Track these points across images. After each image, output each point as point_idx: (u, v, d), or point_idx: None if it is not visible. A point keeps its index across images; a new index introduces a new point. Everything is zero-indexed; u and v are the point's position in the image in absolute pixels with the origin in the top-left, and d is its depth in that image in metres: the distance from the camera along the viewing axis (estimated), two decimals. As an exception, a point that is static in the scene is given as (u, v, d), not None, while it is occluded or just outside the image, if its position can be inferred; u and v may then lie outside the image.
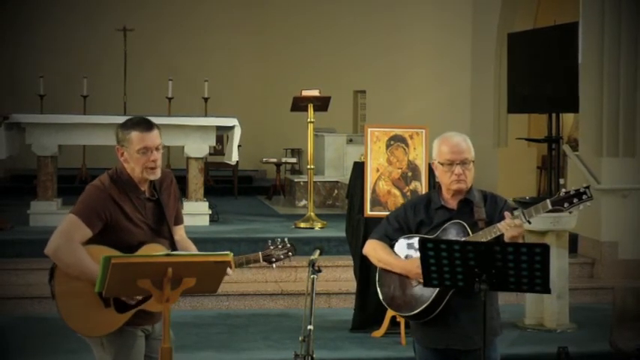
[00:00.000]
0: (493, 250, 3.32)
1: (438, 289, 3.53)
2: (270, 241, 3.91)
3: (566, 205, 3.52)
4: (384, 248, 3.72)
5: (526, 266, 3.29)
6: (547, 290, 3.36)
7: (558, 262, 6.47)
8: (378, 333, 6.24)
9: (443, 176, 3.67)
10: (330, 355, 5.79)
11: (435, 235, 3.63)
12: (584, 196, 3.51)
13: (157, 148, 3.60)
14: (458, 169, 3.62)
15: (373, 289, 6.43)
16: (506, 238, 3.48)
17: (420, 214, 3.72)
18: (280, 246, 3.88)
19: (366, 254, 3.82)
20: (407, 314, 3.68)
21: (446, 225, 3.64)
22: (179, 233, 3.81)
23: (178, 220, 3.83)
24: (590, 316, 6.95)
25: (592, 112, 8.10)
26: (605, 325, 5.87)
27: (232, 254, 3.72)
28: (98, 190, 3.61)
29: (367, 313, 6.38)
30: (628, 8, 7.90)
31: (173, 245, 3.71)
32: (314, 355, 3.68)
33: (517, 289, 3.42)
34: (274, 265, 3.91)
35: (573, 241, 7.87)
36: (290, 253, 3.89)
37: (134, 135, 3.59)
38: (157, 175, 3.63)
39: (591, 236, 8.04)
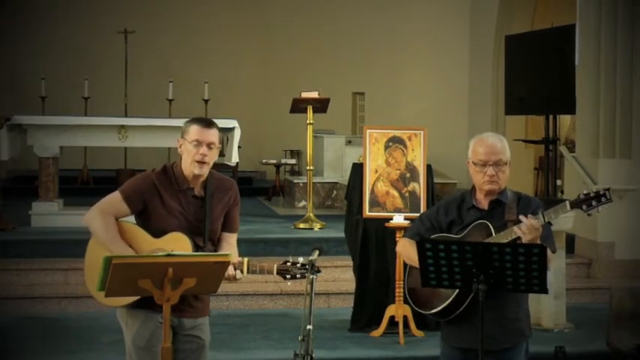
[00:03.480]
0: (491, 251, 3.35)
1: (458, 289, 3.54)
2: (291, 258, 3.90)
3: (584, 207, 3.51)
4: (413, 246, 3.74)
5: (524, 266, 3.30)
6: (544, 290, 3.38)
7: (555, 263, 6.51)
8: (377, 333, 6.28)
9: (476, 176, 3.66)
10: (329, 354, 5.83)
11: (460, 236, 3.65)
12: (603, 199, 3.49)
13: (209, 146, 3.78)
14: (490, 170, 3.61)
15: (372, 289, 6.51)
16: (524, 240, 3.49)
17: (451, 214, 3.73)
18: (299, 265, 3.86)
19: (398, 252, 3.87)
20: (428, 312, 3.70)
21: (472, 225, 3.66)
22: (228, 241, 3.93)
23: (229, 228, 3.96)
24: (587, 316, 6.99)
25: (589, 113, 8.15)
26: (602, 325, 5.91)
27: (248, 259, 3.80)
28: (144, 175, 3.87)
29: (366, 312, 6.43)
30: (624, 10, 7.95)
31: (214, 247, 3.83)
32: (313, 355, 3.71)
33: (515, 289, 3.43)
34: (289, 283, 3.91)
35: (570, 241, 7.92)
36: (307, 273, 3.83)
37: (193, 128, 3.81)
38: (204, 171, 3.80)
39: (588, 237, 8.08)
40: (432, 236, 3.72)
